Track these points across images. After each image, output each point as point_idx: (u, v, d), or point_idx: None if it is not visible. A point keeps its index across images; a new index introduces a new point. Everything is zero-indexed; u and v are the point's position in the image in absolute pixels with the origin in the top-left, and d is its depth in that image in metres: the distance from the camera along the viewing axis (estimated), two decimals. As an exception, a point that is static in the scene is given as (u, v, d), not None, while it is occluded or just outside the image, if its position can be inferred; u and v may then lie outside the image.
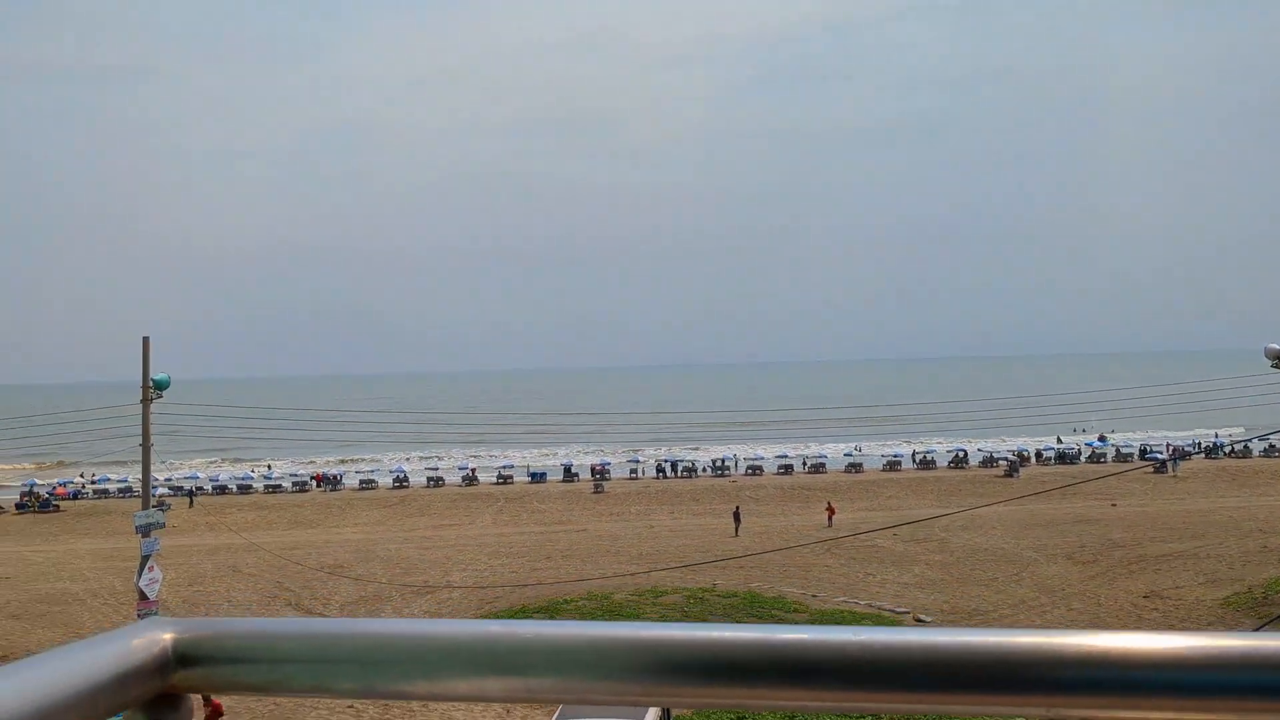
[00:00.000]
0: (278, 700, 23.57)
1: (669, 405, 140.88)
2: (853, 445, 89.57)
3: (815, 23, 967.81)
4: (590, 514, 57.47)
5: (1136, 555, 39.16)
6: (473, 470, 76.81)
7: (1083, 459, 75.28)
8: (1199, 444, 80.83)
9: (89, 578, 41.28)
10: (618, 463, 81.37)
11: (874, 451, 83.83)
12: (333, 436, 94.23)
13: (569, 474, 74.74)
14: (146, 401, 25.90)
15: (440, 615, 33.38)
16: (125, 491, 71.59)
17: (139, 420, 26.29)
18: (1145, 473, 59.78)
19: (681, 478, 73.57)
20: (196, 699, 1.02)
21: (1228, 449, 71.80)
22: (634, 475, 75.07)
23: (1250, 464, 67.71)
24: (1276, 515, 46.46)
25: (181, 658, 0.94)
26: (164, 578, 25.75)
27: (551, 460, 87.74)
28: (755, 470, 74.82)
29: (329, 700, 21.37)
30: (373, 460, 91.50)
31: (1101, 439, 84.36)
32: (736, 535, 46.63)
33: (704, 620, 30.25)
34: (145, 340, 26.11)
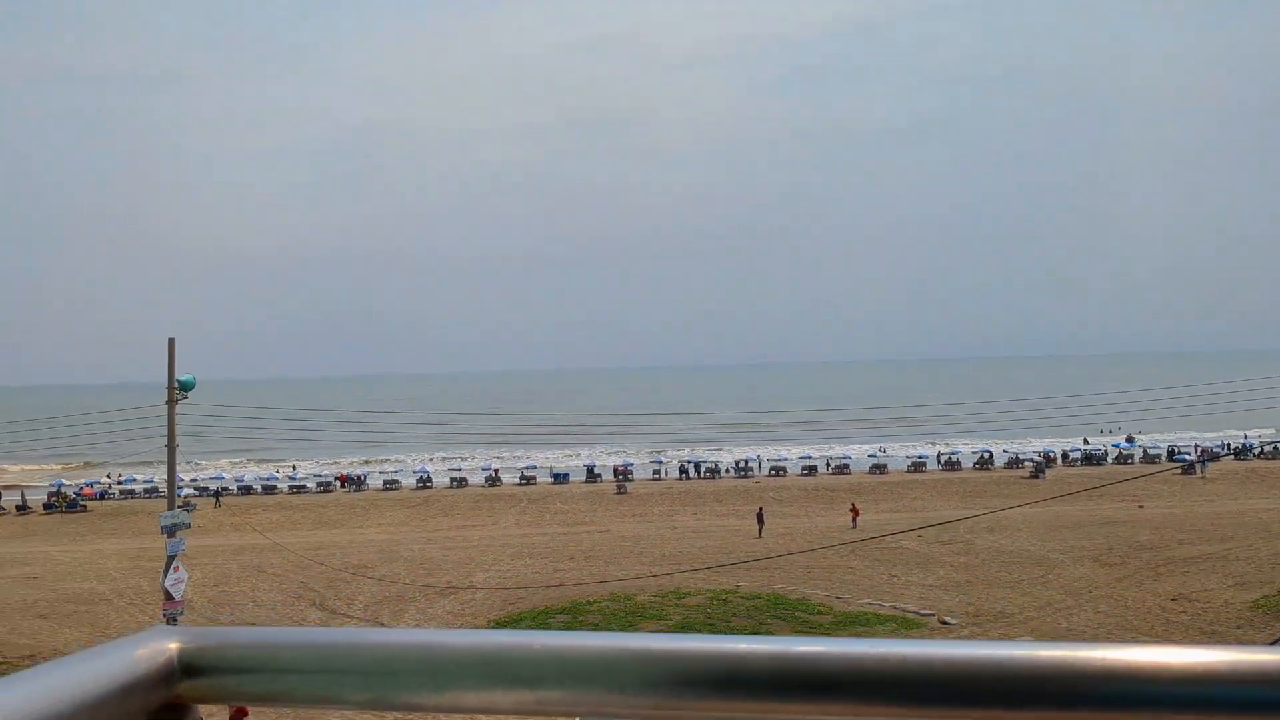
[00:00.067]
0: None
1: (674, 406, 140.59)
2: (877, 446, 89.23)
3: (816, 29, 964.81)
4: (613, 515, 57.50)
5: (1164, 557, 38.72)
6: (496, 471, 77.07)
7: (1110, 460, 74.63)
8: (1227, 445, 79.96)
9: (115, 578, 41.65)
10: (640, 463, 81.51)
11: (899, 452, 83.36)
12: (356, 437, 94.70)
13: (592, 475, 74.77)
14: (172, 402, 26.03)
15: (464, 616, 33.45)
16: (151, 492, 72.38)
17: (165, 421, 26.46)
18: (1173, 474, 59.06)
19: (705, 478, 73.39)
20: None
21: (1257, 450, 70.89)
22: (657, 476, 75.13)
23: (1280, 465, 66.85)
24: (1308, 517, 45.85)
25: (187, 668, 0.94)
26: (189, 578, 25.88)
27: (574, 461, 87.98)
28: (779, 471, 74.55)
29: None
30: (396, 461, 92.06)
31: (1129, 440, 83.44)
32: (760, 536, 46.46)
33: (727, 623, 30.15)
34: (170, 342, 26.21)
